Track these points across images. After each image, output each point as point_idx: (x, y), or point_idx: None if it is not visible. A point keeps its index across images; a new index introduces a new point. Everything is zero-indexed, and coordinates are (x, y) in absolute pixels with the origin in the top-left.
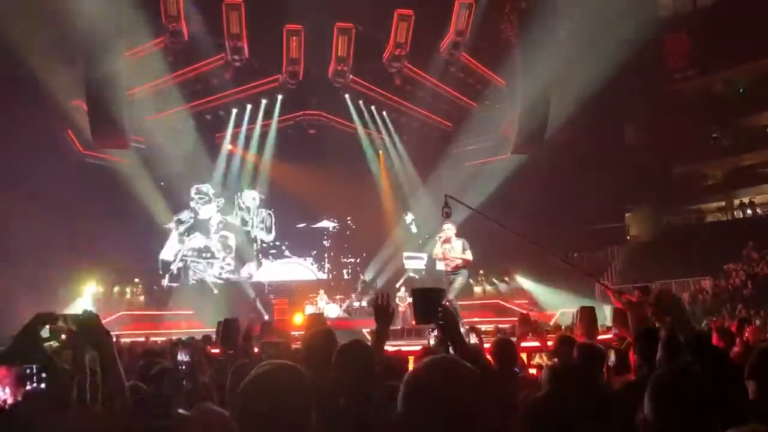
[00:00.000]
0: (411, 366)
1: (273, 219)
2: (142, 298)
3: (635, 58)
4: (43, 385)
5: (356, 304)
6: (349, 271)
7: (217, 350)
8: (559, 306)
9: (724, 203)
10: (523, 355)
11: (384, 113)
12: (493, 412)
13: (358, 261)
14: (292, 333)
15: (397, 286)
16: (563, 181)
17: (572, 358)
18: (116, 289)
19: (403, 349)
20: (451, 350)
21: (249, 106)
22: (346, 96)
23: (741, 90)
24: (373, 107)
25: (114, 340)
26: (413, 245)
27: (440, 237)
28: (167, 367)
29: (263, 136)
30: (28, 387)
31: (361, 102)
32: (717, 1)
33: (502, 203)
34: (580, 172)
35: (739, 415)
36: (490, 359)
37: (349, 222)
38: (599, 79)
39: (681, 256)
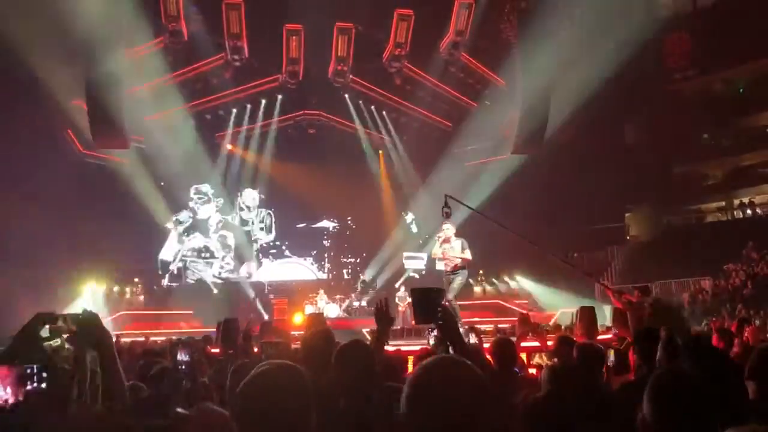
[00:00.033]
0: (410, 366)
1: (273, 219)
2: (142, 298)
3: (635, 58)
4: (43, 385)
5: (356, 303)
6: (349, 271)
7: (217, 350)
8: (559, 306)
9: (724, 203)
10: (523, 355)
11: (384, 113)
12: (496, 412)
13: (358, 261)
14: (292, 333)
15: (397, 285)
16: (563, 181)
17: (572, 358)
18: (116, 288)
19: (403, 348)
20: (450, 350)
21: (249, 106)
22: (346, 96)
23: (741, 90)
24: (373, 107)
25: (114, 340)
26: (413, 245)
27: (439, 237)
28: (167, 367)
29: (263, 135)
30: (29, 387)
31: (361, 102)
32: (717, 1)
33: (502, 203)
34: (580, 172)
35: (739, 415)
36: (490, 359)
37: (349, 222)
38: (599, 79)
39: (681, 256)
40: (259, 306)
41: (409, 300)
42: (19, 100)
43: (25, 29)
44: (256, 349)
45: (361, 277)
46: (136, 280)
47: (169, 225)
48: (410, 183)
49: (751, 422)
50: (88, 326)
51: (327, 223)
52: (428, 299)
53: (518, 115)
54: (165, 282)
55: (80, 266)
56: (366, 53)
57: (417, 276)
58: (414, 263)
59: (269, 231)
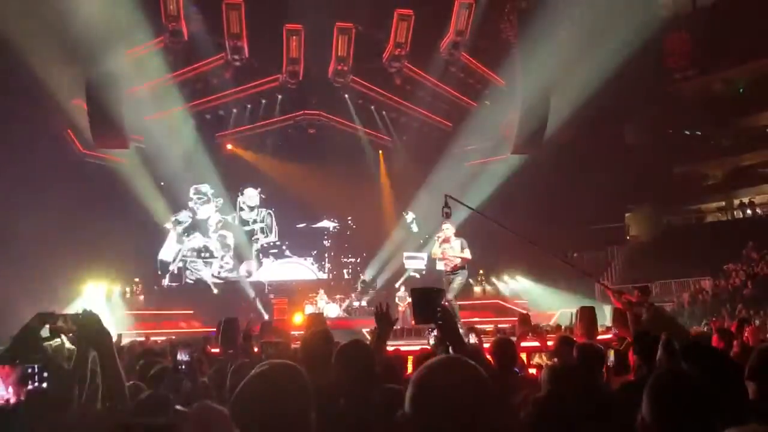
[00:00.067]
0: (410, 366)
1: (273, 219)
2: (142, 297)
3: (635, 58)
4: (44, 385)
5: (356, 303)
6: (350, 270)
7: (217, 350)
8: (559, 306)
9: (724, 203)
10: (523, 355)
11: (384, 113)
12: (499, 412)
13: (358, 261)
14: (292, 333)
15: (397, 285)
16: (563, 181)
17: (572, 358)
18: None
19: (403, 348)
20: (450, 350)
21: (249, 106)
22: (346, 96)
23: (741, 90)
24: (373, 107)
25: (115, 339)
26: (414, 245)
27: (439, 237)
28: (167, 367)
29: (263, 135)
30: (30, 387)
31: (361, 102)
32: (717, 1)
33: (502, 203)
34: (580, 172)
35: (739, 415)
36: (490, 359)
37: (349, 222)
38: (599, 79)
39: (681, 256)
40: (259, 306)
41: (409, 300)
42: (19, 100)
43: (25, 29)
44: (256, 349)
45: (361, 277)
46: (137, 280)
47: (168, 225)
48: (410, 183)
49: (751, 422)
50: (88, 326)
51: (327, 223)
52: (428, 299)
53: (518, 115)
54: (165, 282)
55: (80, 266)
56: (366, 53)
57: (418, 276)
58: (414, 263)
59: (270, 231)
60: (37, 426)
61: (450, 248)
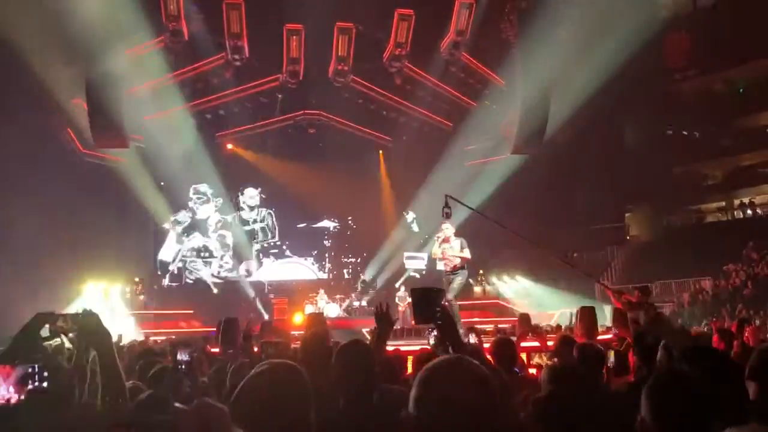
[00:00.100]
0: (410, 366)
1: (274, 219)
2: (141, 297)
3: (635, 58)
4: (45, 384)
5: (356, 303)
6: (350, 270)
7: (216, 350)
8: (559, 306)
9: (724, 203)
10: (523, 355)
11: (384, 113)
12: (504, 411)
13: (358, 261)
14: (292, 333)
15: (397, 285)
16: (563, 181)
17: (572, 358)
18: (116, 288)
19: (402, 348)
20: (450, 350)
21: (249, 106)
22: (347, 96)
23: (741, 90)
24: (373, 107)
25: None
26: (414, 245)
27: (438, 237)
28: (167, 367)
29: (263, 135)
30: (30, 386)
31: (361, 102)
32: (717, 1)
33: (502, 203)
34: (581, 172)
35: (739, 416)
36: (490, 359)
37: (349, 222)
38: (599, 78)
39: (681, 256)
40: (259, 306)
41: (409, 300)
42: (19, 99)
43: (25, 28)
44: (255, 349)
45: (362, 276)
46: (137, 279)
47: (167, 225)
48: (410, 183)
49: (751, 422)
50: (88, 326)
51: (328, 223)
52: (428, 299)
53: (518, 115)
54: (165, 282)
55: (80, 266)
56: (366, 53)
57: (418, 276)
58: (415, 263)
59: (272, 231)
60: (37, 425)
61: (449, 248)
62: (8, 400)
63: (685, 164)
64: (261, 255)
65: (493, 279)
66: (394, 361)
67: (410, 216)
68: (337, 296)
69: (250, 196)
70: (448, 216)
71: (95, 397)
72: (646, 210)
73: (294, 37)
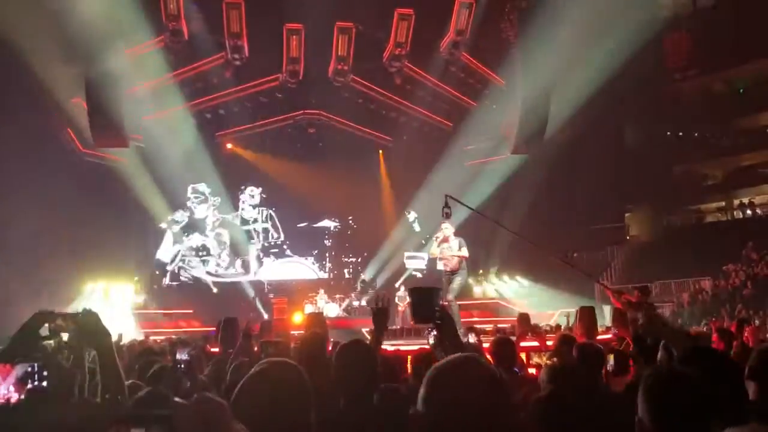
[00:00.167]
0: (409, 365)
1: (275, 219)
2: (141, 297)
3: (635, 58)
4: (44, 384)
5: (356, 303)
6: (350, 270)
7: (216, 349)
8: (559, 306)
9: (724, 203)
10: (522, 355)
11: (384, 113)
12: (511, 409)
13: (359, 260)
14: (292, 332)
15: (397, 285)
16: (563, 181)
17: (572, 357)
18: (115, 288)
19: (402, 348)
20: (449, 350)
21: (249, 105)
22: (346, 95)
23: (741, 90)
24: (373, 107)
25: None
26: (414, 244)
27: (437, 237)
28: (166, 366)
29: (263, 135)
30: (30, 385)
31: (361, 101)
32: (717, 1)
33: (502, 203)
34: (580, 172)
35: (739, 416)
36: (490, 358)
37: (350, 221)
38: (599, 78)
39: (681, 256)
40: (259, 305)
41: (409, 300)
42: (19, 99)
43: (25, 27)
44: (255, 348)
45: (361, 276)
46: (136, 279)
47: (164, 225)
48: (410, 183)
49: (751, 422)
50: (87, 325)
51: (328, 223)
52: (426, 299)
53: (518, 115)
54: (166, 281)
55: (80, 266)
56: (366, 53)
57: (419, 275)
58: (415, 263)
59: (277, 230)
60: (37, 424)
61: (448, 248)
62: (8, 399)
63: (685, 164)
64: (262, 254)
65: (493, 279)
66: (394, 361)
67: (412, 216)
68: (337, 296)
69: (251, 195)
70: (447, 216)
71: (95, 394)
72: (646, 210)
73: (294, 36)
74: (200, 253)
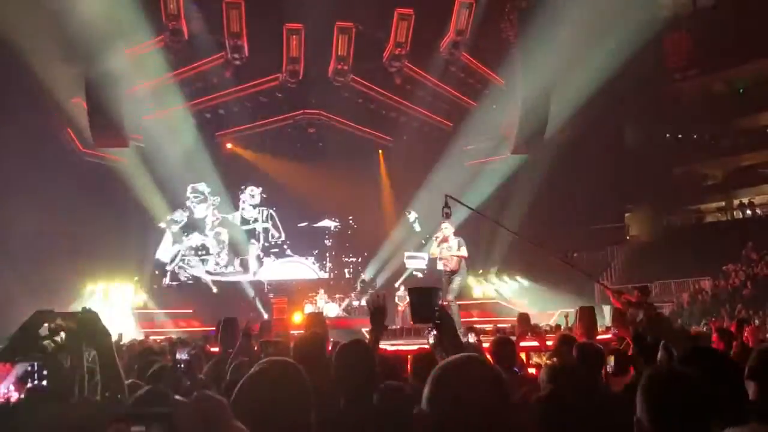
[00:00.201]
0: (409, 365)
1: (276, 219)
2: (141, 297)
3: (635, 58)
4: (44, 383)
5: (355, 303)
6: (351, 270)
7: (216, 349)
8: (559, 306)
9: (723, 203)
10: (522, 355)
11: (384, 113)
12: (513, 408)
13: (359, 260)
14: (291, 332)
15: (397, 285)
16: (563, 181)
17: (572, 357)
18: (115, 287)
19: (402, 348)
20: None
21: (249, 105)
22: (346, 95)
23: (741, 90)
24: (373, 107)
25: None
26: (415, 244)
27: (437, 237)
28: (166, 366)
29: (263, 134)
30: (29, 385)
31: (361, 101)
32: (717, 1)
33: (502, 203)
34: (580, 172)
35: (739, 416)
36: (490, 358)
37: (350, 221)
38: (599, 78)
39: (681, 256)
40: (259, 305)
41: (409, 299)
42: (19, 99)
43: (25, 27)
44: (255, 348)
45: (361, 276)
46: (136, 279)
47: (163, 224)
48: (410, 183)
49: (751, 422)
50: (87, 325)
51: (328, 223)
52: (426, 298)
53: (518, 115)
54: (166, 281)
55: (80, 265)
56: (366, 53)
57: (420, 275)
58: (415, 263)
59: (277, 230)
60: (37, 423)
61: (448, 248)
62: (8, 398)
63: (685, 164)
64: (262, 254)
65: (493, 279)
66: (394, 361)
67: (412, 216)
68: (337, 296)
69: (252, 195)
70: (447, 216)
71: (95, 393)
72: (646, 210)
73: (294, 36)
74: (199, 253)
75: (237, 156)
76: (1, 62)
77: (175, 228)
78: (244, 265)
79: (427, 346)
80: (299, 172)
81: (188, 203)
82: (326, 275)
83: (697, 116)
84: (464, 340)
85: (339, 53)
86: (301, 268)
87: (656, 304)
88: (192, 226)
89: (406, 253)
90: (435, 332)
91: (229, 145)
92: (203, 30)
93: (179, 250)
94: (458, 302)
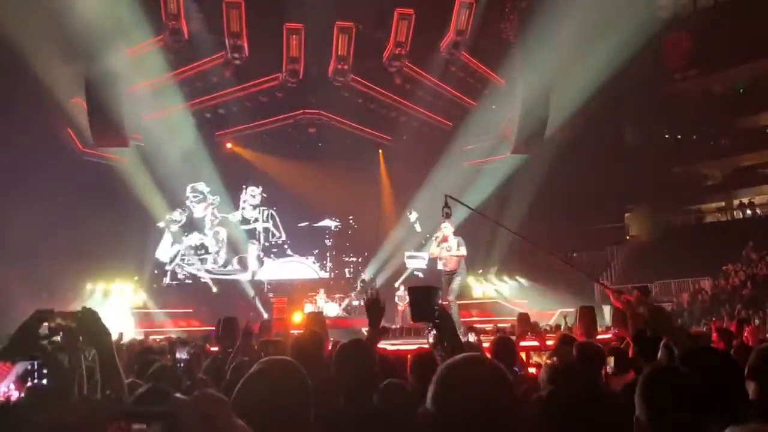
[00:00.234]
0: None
1: (276, 218)
2: (141, 296)
3: (635, 58)
4: (45, 381)
5: (355, 302)
6: (351, 270)
7: (216, 348)
8: (559, 306)
9: (723, 203)
10: (522, 355)
11: (384, 112)
12: (518, 407)
13: (359, 260)
14: (291, 331)
15: (397, 285)
16: (563, 181)
17: (572, 357)
18: (115, 287)
19: (402, 348)
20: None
21: (249, 105)
22: (346, 95)
23: (741, 90)
24: (373, 106)
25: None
26: (415, 244)
27: (437, 237)
28: (166, 365)
29: (263, 134)
30: (30, 383)
31: (361, 101)
32: (717, 1)
33: (502, 203)
34: (580, 172)
35: (739, 415)
36: (490, 358)
37: (350, 221)
38: (599, 78)
39: (681, 256)
40: (259, 304)
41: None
42: (19, 98)
43: (25, 27)
44: (255, 347)
45: (362, 276)
46: (136, 278)
47: (162, 224)
48: (410, 183)
49: (751, 422)
50: (87, 324)
51: (329, 222)
52: (425, 298)
53: (518, 114)
54: (165, 281)
55: (80, 265)
56: (366, 52)
57: (420, 275)
58: (416, 263)
59: (277, 230)
60: (37, 422)
61: (447, 248)
62: (8, 398)
63: (685, 164)
64: (263, 254)
65: (493, 279)
66: (394, 361)
67: (413, 216)
68: (337, 295)
69: (252, 194)
70: (447, 216)
71: (95, 392)
72: (646, 210)
73: (294, 36)
74: (199, 252)
75: (237, 156)
76: (2, 62)
77: (175, 227)
78: (243, 264)
79: (426, 346)
80: (299, 171)
81: (187, 203)
82: (326, 275)
83: (697, 116)
84: (464, 339)
85: (339, 53)
86: (301, 267)
87: (656, 304)
88: (191, 225)
89: (407, 253)
90: (434, 332)
91: (229, 145)
92: (203, 29)
93: (179, 250)
94: (458, 302)
